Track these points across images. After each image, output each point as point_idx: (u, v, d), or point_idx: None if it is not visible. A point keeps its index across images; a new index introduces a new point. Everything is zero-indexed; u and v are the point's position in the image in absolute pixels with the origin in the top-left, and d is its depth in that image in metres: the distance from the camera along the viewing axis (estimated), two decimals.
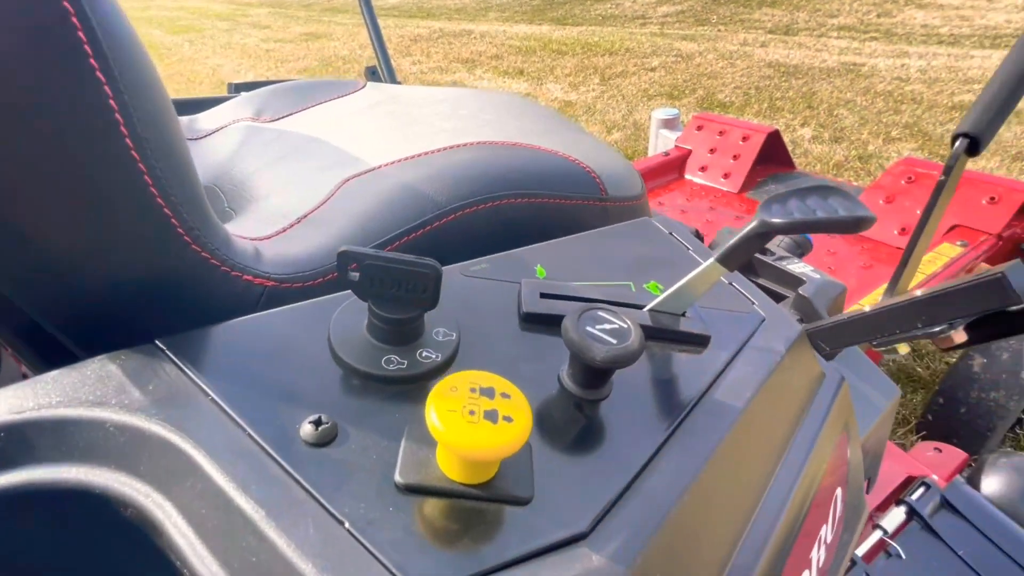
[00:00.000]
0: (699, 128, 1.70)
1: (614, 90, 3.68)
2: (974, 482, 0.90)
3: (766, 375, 0.33)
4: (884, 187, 1.39)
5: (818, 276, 0.61)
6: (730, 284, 0.40)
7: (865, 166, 2.47)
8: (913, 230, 0.56)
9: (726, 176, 1.59)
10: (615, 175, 0.52)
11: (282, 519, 0.21)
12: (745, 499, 0.30)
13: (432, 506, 0.22)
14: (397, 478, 0.23)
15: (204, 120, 0.71)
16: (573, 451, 0.26)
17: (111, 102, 0.27)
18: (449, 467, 0.23)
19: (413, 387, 0.28)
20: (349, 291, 0.34)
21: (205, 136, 0.68)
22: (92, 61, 0.26)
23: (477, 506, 0.23)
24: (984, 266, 1.24)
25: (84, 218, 0.28)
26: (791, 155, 1.67)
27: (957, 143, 0.52)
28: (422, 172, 0.46)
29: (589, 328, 0.26)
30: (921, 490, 0.80)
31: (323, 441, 0.24)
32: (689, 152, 1.68)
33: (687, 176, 1.67)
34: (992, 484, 0.89)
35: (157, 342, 0.28)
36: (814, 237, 0.97)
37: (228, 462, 0.23)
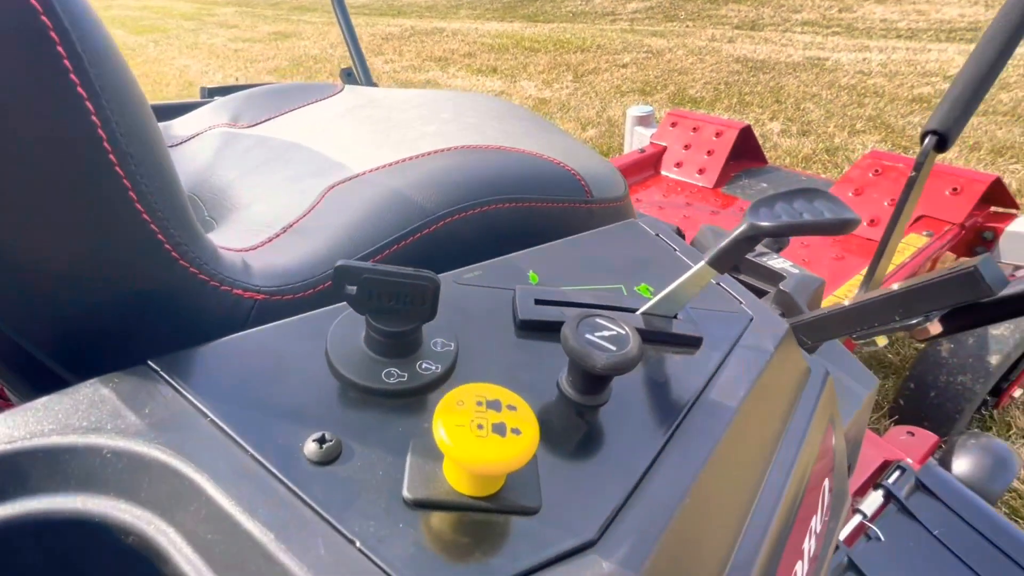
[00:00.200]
0: (673, 125, 1.72)
1: (587, 87, 3.70)
2: (946, 463, 0.94)
3: (757, 374, 0.34)
4: (853, 180, 1.43)
5: (797, 271, 0.63)
6: (717, 284, 0.41)
7: (832, 159, 2.54)
8: (885, 222, 0.58)
9: (701, 172, 1.62)
10: (599, 176, 0.52)
11: (292, 541, 0.21)
12: (742, 497, 0.30)
13: (442, 520, 0.22)
14: (405, 493, 0.23)
15: (178, 126, 0.69)
16: (576, 458, 0.26)
17: (93, 118, 0.26)
18: (457, 480, 0.23)
19: (414, 399, 0.27)
20: (343, 303, 0.33)
21: (181, 143, 0.66)
22: (72, 76, 0.25)
23: (486, 518, 0.23)
24: (949, 255, 1.29)
25: (68, 237, 0.27)
26: (762, 149, 1.71)
27: (926, 140, 0.53)
28: (408, 178, 0.45)
29: (588, 336, 0.27)
30: (897, 474, 0.82)
31: (328, 459, 0.24)
32: (664, 149, 1.70)
33: (663, 172, 1.69)
34: (962, 465, 0.93)
35: (150, 363, 0.28)
36: None
37: (232, 485, 0.22)
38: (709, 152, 1.62)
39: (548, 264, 0.40)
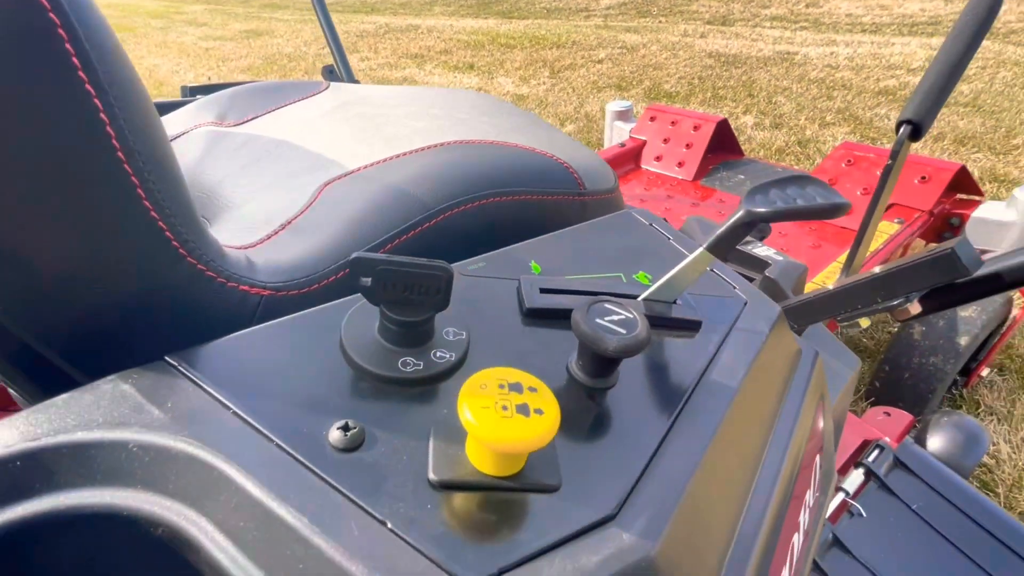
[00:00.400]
0: (652, 119, 1.75)
1: (564, 83, 3.71)
2: (921, 441, 0.98)
3: (754, 354, 0.35)
4: (827, 171, 1.47)
5: (781, 258, 0.65)
6: (711, 270, 0.43)
7: (804, 150, 2.60)
8: (858, 211, 0.60)
9: (680, 164, 1.64)
10: (590, 169, 0.53)
11: (325, 524, 0.21)
12: (745, 471, 0.32)
13: (467, 500, 0.23)
14: (431, 475, 0.23)
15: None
16: (590, 438, 0.27)
17: (101, 115, 0.26)
18: (480, 461, 0.24)
19: (430, 387, 0.28)
20: (350, 297, 0.34)
21: None
22: (81, 73, 0.25)
23: (510, 497, 0.24)
24: (920, 241, 1.33)
25: (77, 234, 0.27)
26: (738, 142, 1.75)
27: (901, 129, 0.56)
28: (406, 173, 0.46)
29: (599, 320, 0.28)
30: (876, 452, 0.86)
31: (352, 446, 0.24)
32: (644, 143, 1.73)
33: (643, 166, 1.71)
34: (937, 442, 0.97)
35: (167, 359, 0.28)
36: None
37: (262, 474, 0.23)
38: (688, 145, 1.65)
39: (548, 255, 0.41)
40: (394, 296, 0.28)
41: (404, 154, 0.50)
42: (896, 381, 1.18)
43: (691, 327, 0.35)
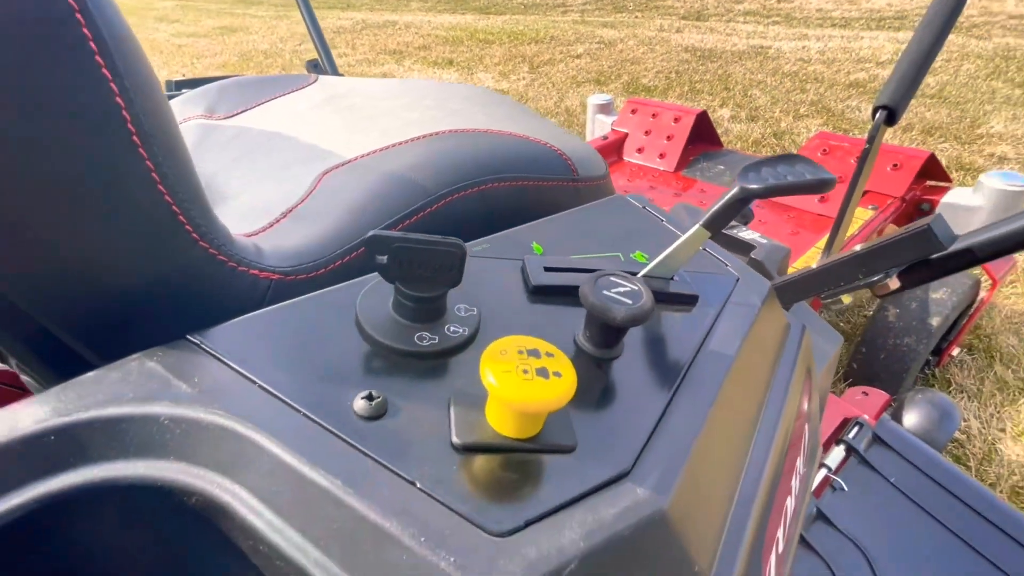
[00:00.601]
0: (633, 112, 1.77)
1: (543, 78, 3.73)
2: (897, 418, 1.02)
3: (748, 327, 0.37)
4: None
5: (766, 241, 0.67)
6: (704, 250, 0.44)
7: (780, 142, 2.66)
8: (835, 198, 0.63)
9: (662, 156, 1.67)
10: (582, 156, 0.55)
11: (358, 486, 0.22)
12: (743, 435, 0.34)
13: (490, 461, 0.24)
14: (454, 439, 0.25)
15: None
16: (600, 403, 0.29)
17: (117, 99, 0.27)
18: (501, 424, 0.25)
19: (445, 360, 0.29)
20: (359, 279, 0.35)
21: None
22: (98, 58, 0.26)
23: (530, 457, 0.25)
24: (892, 227, 1.38)
25: (94, 217, 0.27)
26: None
27: (877, 114, 0.58)
28: (404, 161, 0.47)
29: (606, 292, 0.29)
30: (856, 429, 0.89)
31: (377, 414, 0.25)
32: (626, 135, 1.75)
33: (626, 158, 1.74)
34: (912, 418, 1.01)
35: (189, 337, 0.28)
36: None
37: (293, 442, 0.23)
38: (669, 137, 1.68)
39: (548, 236, 0.42)
40: (409, 273, 0.29)
41: (401, 143, 0.50)
42: (872, 362, 1.22)
43: (688, 301, 0.37)
